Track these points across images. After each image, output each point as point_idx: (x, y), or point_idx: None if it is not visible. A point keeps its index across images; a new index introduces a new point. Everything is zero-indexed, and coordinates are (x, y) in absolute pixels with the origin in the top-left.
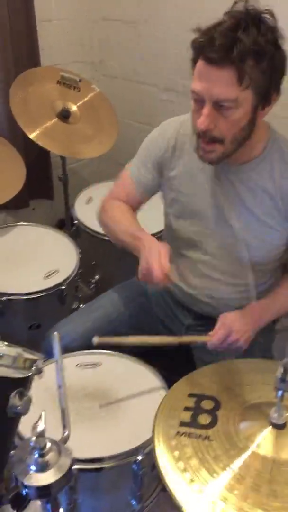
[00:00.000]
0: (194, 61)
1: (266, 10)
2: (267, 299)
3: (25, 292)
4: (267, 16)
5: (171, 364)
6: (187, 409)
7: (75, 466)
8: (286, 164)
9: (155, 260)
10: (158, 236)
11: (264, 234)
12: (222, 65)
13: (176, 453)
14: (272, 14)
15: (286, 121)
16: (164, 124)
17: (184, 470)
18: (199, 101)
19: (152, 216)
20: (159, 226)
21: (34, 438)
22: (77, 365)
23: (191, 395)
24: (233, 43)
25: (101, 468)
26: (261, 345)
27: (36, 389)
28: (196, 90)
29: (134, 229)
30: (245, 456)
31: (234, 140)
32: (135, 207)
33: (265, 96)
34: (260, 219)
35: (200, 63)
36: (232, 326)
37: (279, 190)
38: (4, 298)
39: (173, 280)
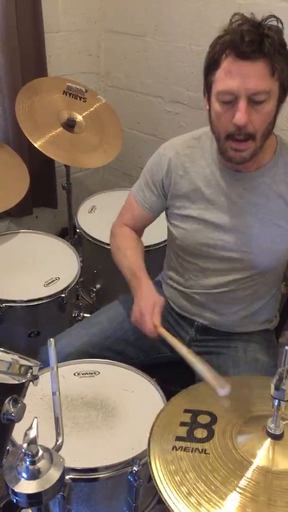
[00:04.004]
0: (216, 63)
1: (271, 15)
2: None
3: (26, 299)
4: (274, 18)
5: (170, 374)
6: (183, 424)
7: (70, 476)
8: None
9: (149, 315)
10: (163, 245)
11: (278, 237)
12: (256, 58)
13: (173, 467)
14: (277, 18)
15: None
16: (164, 146)
17: (181, 483)
18: (230, 101)
19: (156, 226)
20: (162, 236)
21: (25, 445)
22: (75, 373)
23: (187, 411)
24: (262, 38)
25: (96, 478)
26: (264, 363)
27: (33, 397)
28: (229, 88)
29: (135, 267)
30: (243, 468)
31: (263, 135)
32: (142, 228)
33: (285, 90)
34: (275, 223)
35: (229, 61)
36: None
37: None
38: (4, 305)
39: (163, 335)
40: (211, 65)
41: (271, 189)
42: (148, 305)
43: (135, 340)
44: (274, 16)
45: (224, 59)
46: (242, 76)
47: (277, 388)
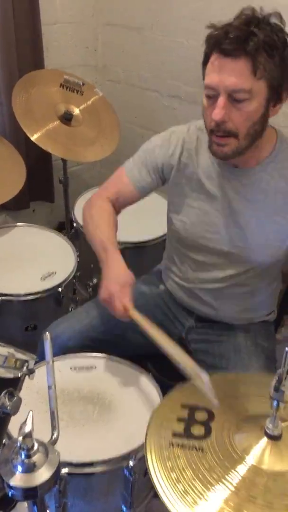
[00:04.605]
0: (207, 58)
1: (274, 12)
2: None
3: (22, 293)
4: (276, 17)
5: (167, 369)
6: (180, 420)
7: (66, 470)
8: None
9: (117, 295)
10: (162, 240)
11: (275, 233)
12: (237, 56)
13: (169, 464)
14: (280, 16)
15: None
16: (170, 132)
17: (178, 481)
18: (213, 96)
19: (156, 220)
20: (161, 231)
21: (20, 438)
22: (71, 368)
23: (184, 406)
24: (247, 36)
25: (92, 473)
26: (264, 348)
27: (29, 391)
28: (210, 83)
29: (106, 238)
30: (240, 467)
31: (248, 135)
32: (123, 205)
33: (277, 91)
34: (273, 219)
35: (214, 57)
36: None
37: None
38: (0, 298)
39: (135, 319)
40: (204, 60)
41: (269, 185)
42: (116, 284)
43: (135, 324)
44: (277, 14)
45: (212, 54)
46: (222, 73)
47: (276, 389)
